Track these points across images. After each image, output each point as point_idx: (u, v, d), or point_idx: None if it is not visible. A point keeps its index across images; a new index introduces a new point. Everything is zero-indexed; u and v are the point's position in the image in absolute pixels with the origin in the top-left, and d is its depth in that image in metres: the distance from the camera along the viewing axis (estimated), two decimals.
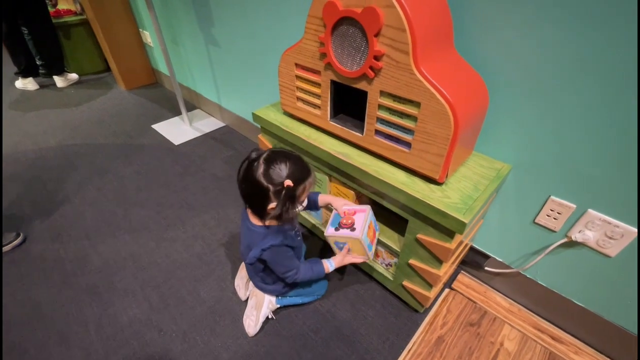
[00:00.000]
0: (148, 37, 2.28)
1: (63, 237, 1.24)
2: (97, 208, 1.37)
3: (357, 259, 0.90)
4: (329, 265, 0.89)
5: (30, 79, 2.44)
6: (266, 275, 0.89)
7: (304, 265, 0.87)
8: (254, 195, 0.74)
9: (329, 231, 0.87)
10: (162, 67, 2.38)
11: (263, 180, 0.70)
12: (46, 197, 1.44)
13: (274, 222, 0.80)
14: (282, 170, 0.70)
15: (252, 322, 0.92)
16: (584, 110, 0.66)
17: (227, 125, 1.99)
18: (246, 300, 1.00)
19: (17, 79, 2.45)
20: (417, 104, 0.67)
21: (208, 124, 2.01)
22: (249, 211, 0.82)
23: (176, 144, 1.81)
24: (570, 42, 0.63)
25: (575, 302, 0.87)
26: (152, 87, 2.53)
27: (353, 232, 0.83)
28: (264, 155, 0.72)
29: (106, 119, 2.08)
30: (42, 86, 2.49)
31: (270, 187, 0.70)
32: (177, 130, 1.94)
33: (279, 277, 0.87)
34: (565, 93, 0.67)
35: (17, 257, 1.16)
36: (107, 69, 2.80)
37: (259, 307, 0.93)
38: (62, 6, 2.63)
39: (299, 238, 0.90)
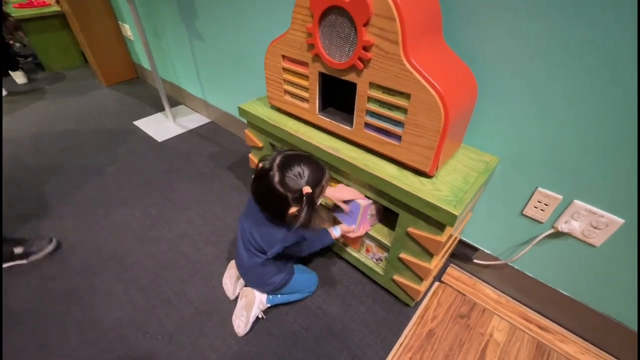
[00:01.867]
0: (128, 30, 2.20)
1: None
2: (76, 207, 1.31)
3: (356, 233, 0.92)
4: (335, 232, 0.92)
5: None
6: (269, 269, 0.88)
7: (315, 236, 0.90)
8: (273, 203, 0.74)
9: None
10: (144, 62, 2.30)
11: (280, 189, 0.70)
12: (21, 197, 1.37)
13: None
14: (297, 177, 0.71)
15: (242, 323, 0.90)
16: (570, 103, 0.67)
17: (213, 122, 1.94)
18: (234, 300, 0.98)
19: None
20: (407, 96, 0.66)
21: (193, 120, 1.95)
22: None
23: (159, 140, 1.76)
24: (557, 35, 0.63)
25: (562, 291, 0.88)
26: (134, 83, 2.45)
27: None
28: (277, 162, 0.72)
29: (85, 115, 1.99)
30: (10, 93, 2.27)
31: (289, 194, 0.70)
32: (160, 126, 1.88)
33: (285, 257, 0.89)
34: (551, 86, 0.67)
35: None
36: (85, 63, 2.69)
37: (249, 307, 0.90)
38: None
39: None
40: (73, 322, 0.93)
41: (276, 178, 0.70)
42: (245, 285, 0.96)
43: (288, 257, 0.89)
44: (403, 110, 0.68)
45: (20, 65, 2.38)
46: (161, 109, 2.00)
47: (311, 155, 0.76)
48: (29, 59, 2.68)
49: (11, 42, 2.74)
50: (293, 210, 0.73)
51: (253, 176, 0.77)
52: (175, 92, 2.14)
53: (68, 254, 1.13)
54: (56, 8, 2.39)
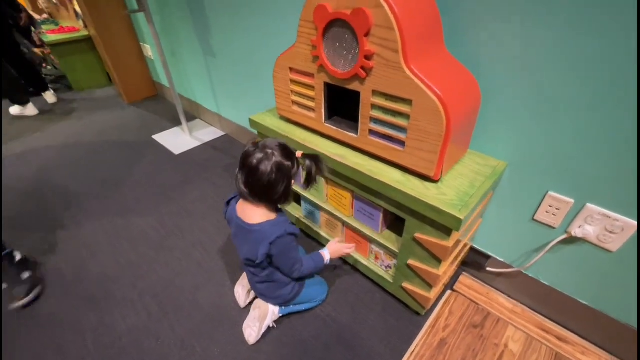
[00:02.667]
0: (149, 50, 2.33)
1: (62, 247, 1.24)
2: (96, 217, 1.38)
3: (349, 249, 0.95)
4: (325, 254, 0.91)
5: (30, 104, 2.34)
6: (271, 284, 0.88)
7: (305, 258, 0.89)
8: (281, 184, 0.75)
9: None
10: (163, 79, 2.42)
11: (287, 162, 0.74)
12: (46, 207, 1.45)
13: (272, 216, 0.81)
14: (285, 148, 0.75)
15: (253, 333, 0.90)
16: (578, 105, 0.66)
17: (227, 134, 2.00)
18: (245, 308, 0.99)
19: (13, 106, 2.32)
20: (408, 102, 0.67)
21: (208, 133, 2.03)
22: (246, 213, 0.81)
23: (176, 153, 1.83)
24: (560, 38, 0.63)
25: (579, 300, 0.85)
26: (154, 99, 2.57)
27: None
28: (266, 147, 0.74)
29: (108, 131, 2.11)
30: (41, 112, 2.41)
31: (290, 164, 0.75)
32: (177, 140, 1.96)
33: (286, 274, 0.87)
34: (558, 89, 0.67)
35: None
36: (110, 82, 2.86)
37: (262, 319, 0.91)
38: (65, 23, 2.70)
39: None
40: (90, 326, 0.97)
41: (277, 153, 0.73)
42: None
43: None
44: (406, 116, 0.69)
45: (50, 86, 2.56)
46: (178, 123, 2.09)
47: None
48: (60, 81, 2.88)
49: (44, 64, 2.97)
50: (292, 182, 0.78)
51: (243, 173, 0.77)
52: (192, 107, 2.24)
53: (87, 261, 1.18)
54: (84, 32, 2.57)
